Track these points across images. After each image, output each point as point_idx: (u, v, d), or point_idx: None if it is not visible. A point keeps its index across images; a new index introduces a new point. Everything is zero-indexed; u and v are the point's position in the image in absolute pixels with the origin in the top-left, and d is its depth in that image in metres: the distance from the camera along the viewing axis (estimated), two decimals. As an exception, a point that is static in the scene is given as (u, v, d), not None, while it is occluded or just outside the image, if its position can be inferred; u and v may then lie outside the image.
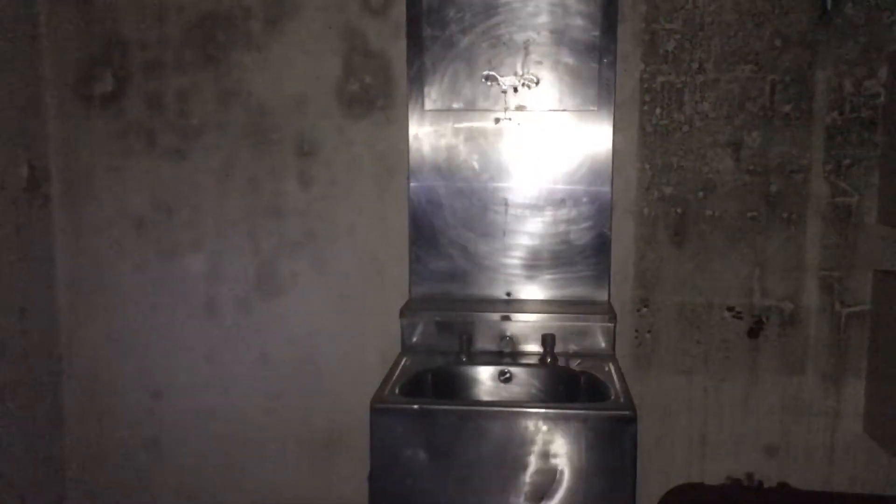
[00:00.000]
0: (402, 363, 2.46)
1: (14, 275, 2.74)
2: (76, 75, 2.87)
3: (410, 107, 2.67)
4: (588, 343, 2.54)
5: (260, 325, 2.91)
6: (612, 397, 2.19)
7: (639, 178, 2.73)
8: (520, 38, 2.62)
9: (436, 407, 2.11)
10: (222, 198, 2.87)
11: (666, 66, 2.68)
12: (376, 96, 2.78)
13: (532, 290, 2.69)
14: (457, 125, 2.67)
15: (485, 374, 2.45)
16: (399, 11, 2.72)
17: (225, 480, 2.98)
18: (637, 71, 2.69)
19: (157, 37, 2.82)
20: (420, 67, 2.65)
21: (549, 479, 2.07)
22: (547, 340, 2.45)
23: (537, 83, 2.63)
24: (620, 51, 2.65)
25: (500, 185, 2.68)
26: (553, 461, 2.06)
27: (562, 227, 2.67)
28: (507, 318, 2.56)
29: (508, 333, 2.55)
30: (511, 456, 2.08)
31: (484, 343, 2.55)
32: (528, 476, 2.07)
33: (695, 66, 2.67)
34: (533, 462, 2.07)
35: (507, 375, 2.43)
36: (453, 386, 2.42)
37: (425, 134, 2.68)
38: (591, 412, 2.11)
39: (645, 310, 2.78)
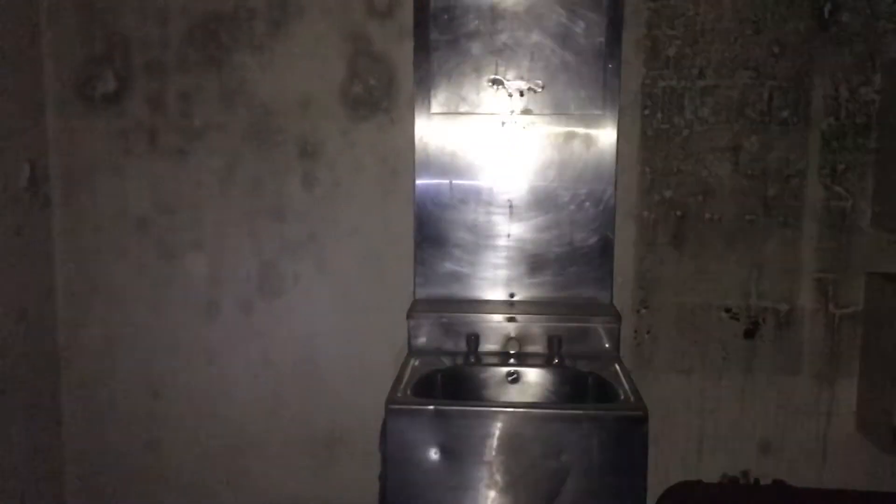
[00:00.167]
0: (411, 364, 2.48)
1: (14, 275, 2.72)
2: (78, 74, 2.85)
3: (417, 110, 2.69)
4: (592, 344, 2.58)
5: (261, 325, 2.92)
6: (622, 398, 2.23)
7: (640, 181, 2.77)
8: (526, 42, 2.65)
9: (451, 408, 2.14)
10: (224, 199, 2.87)
11: (667, 72, 2.73)
12: (380, 98, 2.79)
13: (535, 292, 2.73)
14: (463, 128, 2.70)
15: (493, 375, 2.48)
16: (403, 14, 2.73)
17: (225, 481, 2.98)
18: (639, 76, 2.74)
19: (160, 36, 2.81)
20: (427, 71, 2.67)
21: (562, 478, 2.10)
22: (554, 342, 2.48)
23: (543, 87, 2.66)
24: (623, 56, 2.69)
25: (504, 187, 2.71)
26: (565, 461, 2.09)
27: (565, 230, 2.70)
28: (512, 320, 2.59)
29: (514, 335, 2.58)
30: (524, 456, 2.11)
31: (489, 344, 2.57)
32: (540, 476, 2.11)
33: (695, 71, 2.72)
34: (546, 462, 2.10)
35: (515, 376, 2.46)
36: (462, 386, 2.45)
37: (431, 136, 2.70)
38: (603, 412, 2.15)
39: (644, 310, 2.82)
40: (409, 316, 2.61)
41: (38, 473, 2.86)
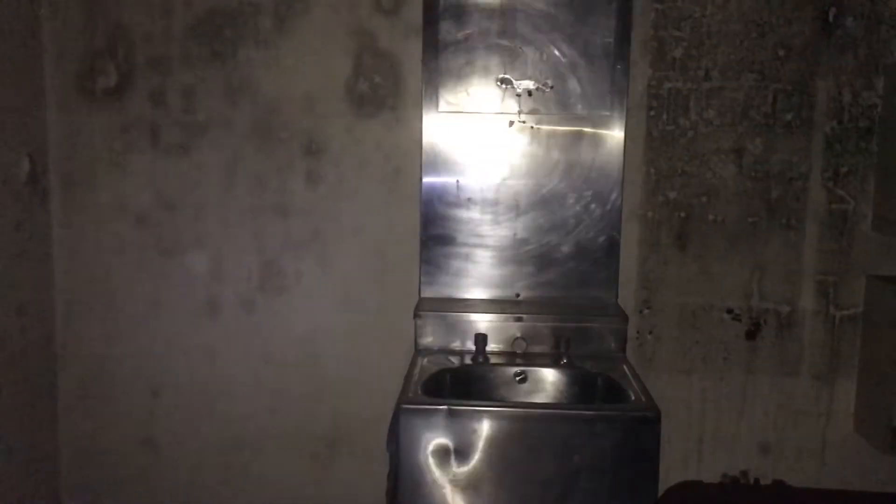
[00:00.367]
0: (420, 363, 2.47)
1: (13, 271, 2.68)
2: (78, 68, 2.81)
3: (425, 108, 2.68)
4: (599, 344, 2.58)
5: (263, 324, 2.89)
6: (633, 398, 2.23)
7: (644, 182, 2.78)
8: (535, 41, 2.65)
9: (465, 407, 2.13)
10: (227, 195, 2.84)
11: (673, 73, 2.74)
12: (386, 96, 2.78)
13: (541, 291, 2.73)
14: (470, 127, 2.69)
15: (501, 375, 2.47)
16: (410, 11, 2.72)
17: (225, 481, 2.96)
18: (645, 77, 2.74)
19: (163, 30, 2.78)
20: (435, 69, 2.67)
21: (574, 478, 2.10)
22: (562, 342, 2.48)
23: (551, 87, 2.67)
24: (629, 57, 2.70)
25: (511, 186, 2.71)
26: (579, 461, 2.10)
27: (572, 230, 2.71)
28: (519, 319, 2.59)
29: (520, 334, 2.58)
30: (537, 456, 2.12)
31: (496, 343, 2.57)
32: (554, 476, 2.11)
33: (701, 73, 2.74)
34: (559, 462, 2.10)
35: (523, 376, 2.46)
36: (471, 386, 2.44)
37: (439, 135, 2.69)
38: (617, 413, 2.15)
39: (647, 311, 2.83)
40: (415, 315, 2.60)
41: (34, 472, 2.83)
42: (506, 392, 2.46)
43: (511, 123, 2.68)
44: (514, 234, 2.72)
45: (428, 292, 2.73)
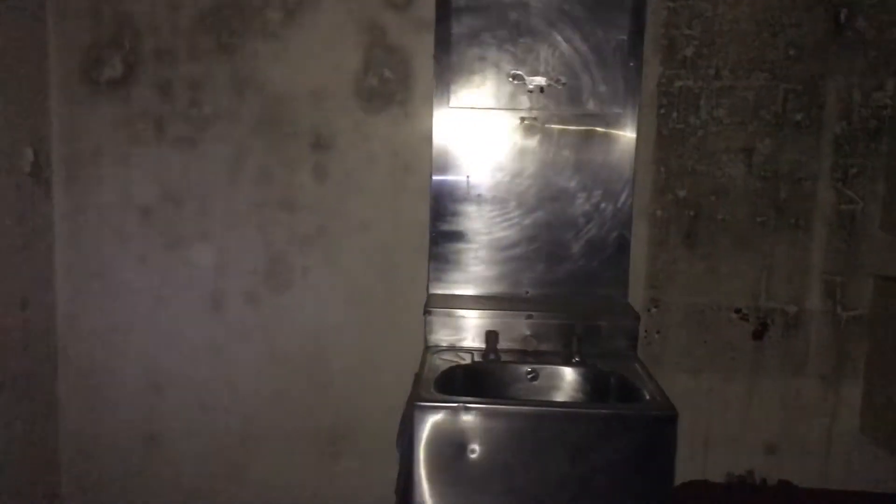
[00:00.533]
0: (430, 360, 2.45)
1: (16, 263, 2.64)
2: (83, 59, 2.77)
3: (436, 103, 2.66)
4: (609, 342, 2.56)
5: (268, 319, 2.87)
6: (648, 397, 2.22)
7: (654, 180, 2.77)
8: (548, 38, 2.63)
9: (480, 405, 2.10)
10: (233, 189, 2.82)
11: (684, 72, 2.73)
12: (395, 91, 2.76)
13: (551, 289, 2.71)
14: (482, 123, 2.67)
15: (513, 372, 2.46)
16: (421, 6, 2.70)
17: (227, 476, 2.94)
18: (655, 75, 2.73)
19: (170, 22, 2.75)
20: (447, 64, 2.65)
21: (589, 478, 2.09)
22: (573, 339, 2.47)
23: (563, 84, 2.65)
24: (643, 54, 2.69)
25: (522, 183, 2.69)
26: (595, 459, 2.08)
27: (582, 227, 2.69)
28: (529, 317, 2.57)
29: (530, 332, 2.56)
30: (552, 454, 2.10)
31: (506, 341, 2.55)
32: (569, 474, 2.09)
33: (712, 72, 2.73)
34: (575, 460, 2.09)
35: (535, 374, 2.45)
36: (483, 383, 2.42)
37: (450, 131, 2.67)
38: (635, 412, 2.14)
39: (655, 310, 2.82)
40: (426, 311, 2.58)
41: (34, 466, 2.79)
42: (518, 390, 2.44)
43: (522, 120, 2.67)
44: (524, 232, 2.70)
45: (436, 288, 2.71)
